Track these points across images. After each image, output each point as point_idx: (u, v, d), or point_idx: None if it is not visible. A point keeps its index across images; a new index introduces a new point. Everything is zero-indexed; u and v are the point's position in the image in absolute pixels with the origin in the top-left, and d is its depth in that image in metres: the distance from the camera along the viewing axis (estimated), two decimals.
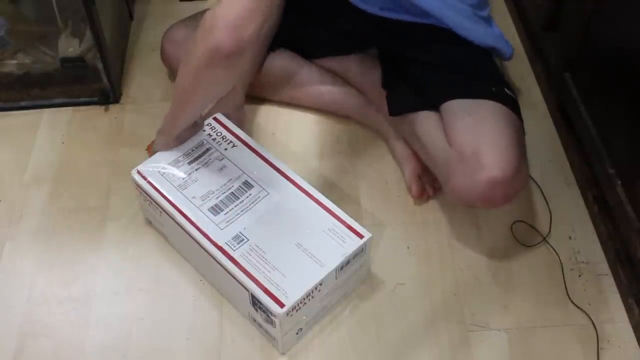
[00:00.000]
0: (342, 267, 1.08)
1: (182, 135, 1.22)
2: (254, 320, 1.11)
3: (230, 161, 1.20)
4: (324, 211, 1.13)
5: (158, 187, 1.17)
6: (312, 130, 1.44)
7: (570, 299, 1.17)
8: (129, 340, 1.13)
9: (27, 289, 1.19)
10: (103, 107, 1.51)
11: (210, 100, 1.21)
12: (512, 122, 1.17)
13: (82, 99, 1.51)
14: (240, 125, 1.31)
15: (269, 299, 1.03)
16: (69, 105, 1.50)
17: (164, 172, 1.19)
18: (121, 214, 1.30)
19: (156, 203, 1.17)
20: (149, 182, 1.18)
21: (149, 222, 1.27)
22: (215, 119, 1.27)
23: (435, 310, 1.16)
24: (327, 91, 1.42)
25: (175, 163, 1.20)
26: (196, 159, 1.21)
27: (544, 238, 1.25)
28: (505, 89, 1.23)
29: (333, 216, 1.12)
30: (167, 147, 1.22)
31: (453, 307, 1.16)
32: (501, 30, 1.33)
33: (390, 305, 1.16)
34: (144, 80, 1.56)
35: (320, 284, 1.06)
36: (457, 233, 1.26)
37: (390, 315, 1.15)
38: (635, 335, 1.12)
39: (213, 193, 1.16)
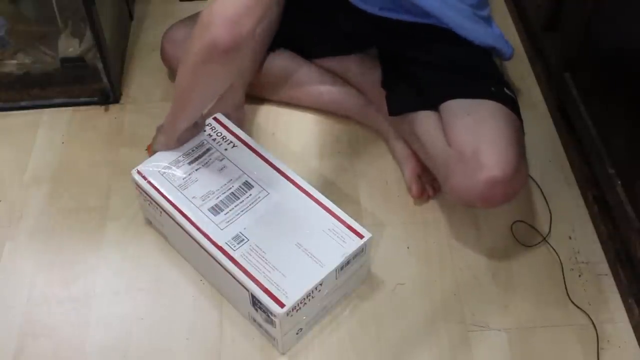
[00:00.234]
0: (342, 267, 1.08)
1: (183, 136, 1.22)
2: (254, 320, 1.11)
3: (231, 161, 1.20)
4: (324, 211, 1.13)
5: (158, 187, 1.17)
6: (312, 130, 1.44)
7: (570, 299, 1.17)
8: (129, 340, 1.13)
9: (27, 289, 1.19)
10: (103, 107, 1.51)
11: (210, 98, 1.21)
12: (511, 122, 1.17)
13: (82, 99, 1.51)
14: (240, 125, 1.31)
15: (269, 299, 1.03)
16: (69, 105, 1.50)
17: (164, 172, 1.19)
18: (121, 214, 1.30)
19: (156, 203, 1.17)
20: (149, 182, 1.18)
21: (149, 222, 1.27)
22: (215, 119, 1.27)
23: (435, 310, 1.16)
24: (327, 91, 1.42)
25: (176, 163, 1.20)
26: (196, 159, 1.21)
27: (544, 238, 1.25)
28: (505, 88, 1.23)
29: (333, 216, 1.12)
30: (168, 148, 1.22)
31: (453, 307, 1.16)
32: (501, 30, 1.33)
33: (390, 305, 1.16)
34: (144, 80, 1.56)
35: (321, 284, 1.06)
36: (457, 233, 1.26)
37: (390, 315, 1.15)
38: (635, 335, 1.12)
39: (213, 193, 1.16)
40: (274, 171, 1.19)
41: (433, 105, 1.22)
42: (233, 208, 1.14)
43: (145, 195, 1.19)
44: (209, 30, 0.99)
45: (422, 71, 1.26)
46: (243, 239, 1.10)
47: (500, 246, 1.24)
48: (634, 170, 1.15)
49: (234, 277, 1.07)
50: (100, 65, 1.46)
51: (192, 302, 1.17)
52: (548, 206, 1.29)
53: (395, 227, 1.27)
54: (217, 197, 1.15)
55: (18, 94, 1.50)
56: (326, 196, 1.16)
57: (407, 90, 1.28)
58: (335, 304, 1.15)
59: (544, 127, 1.44)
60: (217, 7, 0.99)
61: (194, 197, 1.15)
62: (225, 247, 1.09)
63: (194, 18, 1.46)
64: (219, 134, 1.24)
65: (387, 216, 1.29)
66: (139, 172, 1.19)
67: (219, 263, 1.08)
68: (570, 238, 1.25)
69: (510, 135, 1.13)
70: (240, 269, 1.06)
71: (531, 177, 1.33)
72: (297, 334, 1.10)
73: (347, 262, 1.09)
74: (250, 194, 1.16)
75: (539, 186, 1.32)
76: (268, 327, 1.07)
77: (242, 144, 1.23)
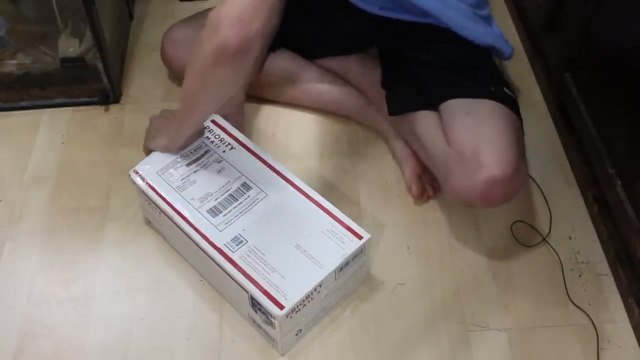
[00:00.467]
0: (341, 268, 1.08)
1: (186, 141, 1.22)
2: (254, 322, 1.11)
3: (229, 163, 1.20)
4: (322, 212, 1.13)
5: (157, 189, 1.17)
6: (312, 131, 1.44)
7: (570, 299, 1.17)
8: (129, 340, 1.13)
9: (27, 288, 1.20)
10: (103, 107, 1.51)
11: (219, 102, 1.19)
12: (511, 121, 1.17)
13: (82, 99, 1.51)
14: (240, 125, 1.31)
15: (268, 300, 1.03)
16: (69, 105, 1.50)
17: (163, 173, 1.19)
18: (121, 214, 1.30)
19: (155, 204, 1.17)
20: (148, 184, 1.18)
21: (148, 222, 1.27)
22: (213, 121, 1.27)
23: (435, 310, 1.16)
24: (327, 91, 1.42)
25: (174, 165, 1.20)
26: (195, 161, 1.21)
27: (544, 238, 1.25)
28: (505, 88, 1.23)
29: (332, 217, 1.12)
30: (168, 152, 1.22)
31: (453, 307, 1.16)
32: (501, 30, 1.33)
33: (390, 306, 1.16)
34: (144, 80, 1.56)
35: (320, 286, 1.06)
36: (457, 233, 1.26)
37: (390, 315, 1.15)
38: (635, 335, 1.12)
39: (212, 195, 1.16)
40: (273, 173, 1.19)
41: (433, 105, 1.22)
42: (231, 210, 1.14)
43: (144, 196, 1.19)
44: (218, 33, 0.98)
45: (422, 71, 1.26)
46: (242, 241, 1.10)
47: (500, 246, 1.24)
48: (634, 170, 1.15)
49: (233, 279, 1.07)
50: (100, 65, 1.46)
51: (192, 303, 1.17)
52: (548, 206, 1.29)
53: (395, 227, 1.27)
54: (216, 199, 1.15)
55: (18, 94, 1.50)
56: (325, 197, 1.16)
57: (407, 90, 1.28)
58: (334, 304, 1.15)
59: (544, 126, 1.44)
60: (225, 10, 0.98)
61: (192, 199, 1.15)
62: (224, 249, 1.09)
63: (194, 18, 1.47)
64: (217, 136, 1.24)
65: (387, 216, 1.29)
66: (137, 174, 1.19)
67: (218, 265, 1.08)
68: (570, 238, 1.25)
69: (510, 135, 1.13)
70: (239, 271, 1.06)
71: (531, 177, 1.33)
72: (296, 335, 1.10)
73: (346, 263, 1.09)
74: (249, 196, 1.16)
75: (539, 186, 1.32)
76: (268, 328, 1.07)
77: (240, 146, 1.23)
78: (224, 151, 1.22)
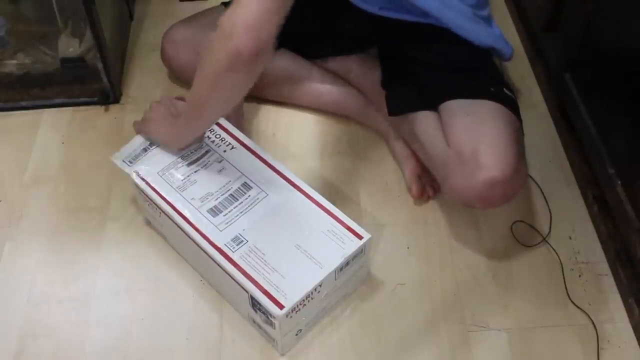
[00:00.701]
0: (341, 268, 1.08)
1: (186, 145, 1.22)
2: (254, 322, 1.11)
3: (229, 163, 1.20)
4: (323, 212, 1.13)
5: (157, 189, 1.17)
6: (312, 131, 1.44)
7: (570, 299, 1.17)
8: (129, 340, 1.13)
9: (27, 289, 1.20)
10: (103, 107, 1.51)
11: (228, 107, 1.18)
12: (511, 122, 1.17)
13: (82, 99, 1.51)
14: (239, 124, 1.31)
15: (268, 300, 1.03)
16: (69, 105, 1.50)
17: (163, 173, 1.19)
18: (121, 214, 1.30)
19: (155, 204, 1.17)
20: (148, 184, 1.18)
21: (149, 223, 1.27)
22: None
23: (435, 311, 1.16)
24: (327, 91, 1.42)
25: (174, 165, 1.20)
26: (195, 160, 1.21)
27: (544, 238, 1.25)
28: (505, 89, 1.23)
29: (332, 217, 1.12)
30: (168, 151, 1.22)
31: (453, 307, 1.16)
32: (501, 31, 1.33)
33: (390, 306, 1.16)
34: (144, 80, 1.56)
35: (320, 286, 1.06)
36: (457, 233, 1.26)
37: (390, 315, 1.15)
38: (635, 335, 1.12)
39: (212, 195, 1.16)
40: (273, 172, 1.19)
41: (433, 105, 1.22)
42: (232, 209, 1.14)
43: (144, 196, 1.19)
44: (232, 40, 0.97)
45: (422, 71, 1.26)
46: (242, 241, 1.10)
47: (500, 246, 1.24)
48: (634, 170, 1.15)
49: (233, 279, 1.07)
50: (100, 65, 1.46)
51: (192, 303, 1.17)
52: (548, 206, 1.29)
53: (395, 227, 1.27)
54: (216, 199, 1.15)
55: (18, 94, 1.50)
56: (325, 197, 1.16)
57: (407, 91, 1.28)
58: (335, 304, 1.15)
59: (544, 127, 1.44)
60: (239, 16, 0.97)
61: (192, 199, 1.15)
62: (224, 249, 1.09)
63: (194, 18, 1.47)
64: (217, 136, 1.24)
65: (387, 216, 1.29)
66: (137, 174, 1.19)
67: (218, 264, 1.08)
68: (570, 238, 1.25)
69: (509, 136, 1.13)
70: (239, 271, 1.06)
71: (531, 177, 1.33)
72: (296, 335, 1.10)
73: (346, 263, 1.09)
74: (249, 196, 1.16)
75: (539, 186, 1.32)
76: (268, 328, 1.07)
77: (240, 146, 1.23)
78: (224, 151, 1.22)
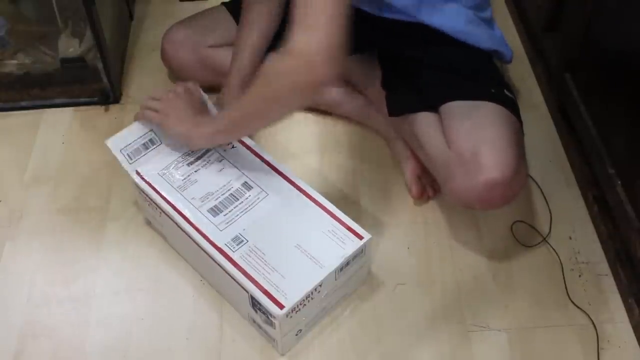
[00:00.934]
0: (341, 268, 1.08)
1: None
2: (254, 322, 1.11)
3: (230, 162, 1.20)
4: (323, 212, 1.13)
5: (157, 189, 1.17)
6: (313, 131, 1.44)
7: (570, 299, 1.17)
8: (129, 340, 1.13)
9: (27, 289, 1.20)
10: (103, 107, 1.51)
11: (272, 123, 1.23)
12: (511, 123, 1.17)
13: (82, 99, 1.51)
14: None
15: (268, 300, 1.03)
16: (69, 105, 1.50)
17: (164, 173, 1.19)
18: (121, 214, 1.30)
19: (155, 204, 1.17)
20: (149, 184, 1.18)
21: (149, 223, 1.27)
22: None
23: (435, 311, 1.16)
24: (327, 91, 1.42)
25: (175, 164, 1.20)
26: (195, 160, 1.21)
27: (544, 238, 1.25)
28: (505, 90, 1.23)
29: (332, 217, 1.12)
30: (177, 146, 1.22)
31: (453, 307, 1.16)
32: (502, 32, 1.33)
33: (390, 306, 1.16)
34: (144, 80, 1.56)
35: (320, 286, 1.06)
36: (457, 233, 1.26)
37: (390, 315, 1.15)
38: (635, 335, 1.12)
39: (212, 194, 1.16)
40: (273, 172, 1.19)
41: (433, 106, 1.22)
42: (232, 209, 1.14)
43: (144, 196, 1.19)
44: (312, 67, 0.98)
45: (422, 72, 1.26)
46: (242, 240, 1.10)
47: (500, 246, 1.24)
48: (634, 170, 1.15)
49: (234, 279, 1.07)
50: (100, 65, 1.46)
51: (192, 303, 1.17)
52: (548, 206, 1.29)
53: (395, 227, 1.27)
54: (217, 198, 1.15)
55: (18, 94, 1.50)
56: (326, 197, 1.16)
57: (407, 91, 1.28)
58: (335, 304, 1.15)
59: (545, 127, 1.44)
60: (316, 44, 0.97)
61: (193, 198, 1.15)
62: (225, 249, 1.09)
63: (194, 18, 1.47)
64: None
65: (387, 217, 1.29)
66: (138, 174, 1.19)
67: (219, 264, 1.08)
68: (570, 238, 1.25)
69: (509, 137, 1.13)
70: (239, 271, 1.06)
71: (531, 177, 1.33)
72: (296, 335, 1.10)
73: (346, 263, 1.09)
74: (250, 195, 1.16)
75: (539, 186, 1.32)
76: (268, 328, 1.07)
77: (241, 145, 1.23)
78: (225, 150, 1.22)
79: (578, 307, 1.16)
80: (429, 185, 1.30)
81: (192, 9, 1.61)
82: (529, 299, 1.17)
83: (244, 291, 1.06)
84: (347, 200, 1.31)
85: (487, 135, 1.12)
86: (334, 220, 1.12)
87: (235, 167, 1.20)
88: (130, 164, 1.20)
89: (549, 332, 1.13)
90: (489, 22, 1.30)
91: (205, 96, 1.28)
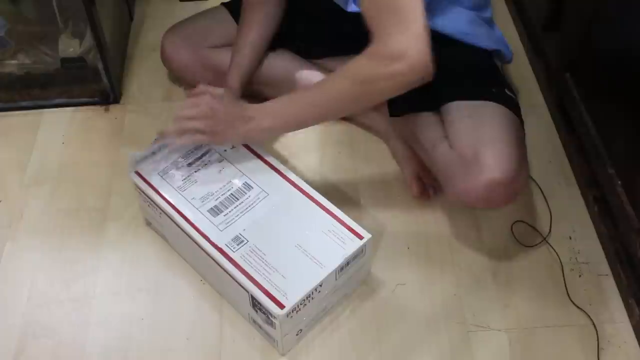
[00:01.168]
0: (342, 268, 1.08)
1: None
2: (254, 322, 1.11)
3: (230, 163, 1.20)
4: (323, 212, 1.13)
5: (157, 189, 1.17)
6: (313, 131, 1.44)
7: (570, 299, 1.17)
8: (129, 340, 1.13)
9: (27, 289, 1.20)
10: (103, 107, 1.51)
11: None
12: (512, 123, 1.17)
13: (82, 99, 1.51)
14: None
15: (268, 300, 1.03)
16: (69, 106, 1.50)
17: (164, 173, 1.19)
18: (121, 214, 1.30)
19: (156, 204, 1.17)
20: (149, 184, 1.17)
21: (148, 223, 1.27)
22: None
23: (435, 311, 1.16)
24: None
25: (175, 165, 1.20)
26: (196, 160, 1.21)
27: (544, 238, 1.25)
28: (506, 90, 1.23)
29: (333, 217, 1.12)
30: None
31: (453, 307, 1.16)
32: (502, 32, 1.33)
33: (390, 306, 1.16)
34: (144, 80, 1.56)
35: (320, 285, 1.06)
36: (458, 233, 1.26)
37: (390, 315, 1.15)
38: (636, 335, 1.12)
39: (213, 194, 1.16)
40: (273, 172, 1.19)
41: (434, 106, 1.22)
42: (232, 209, 1.14)
43: (144, 196, 1.19)
44: (421, 67, 1.04)
45: None
46: (242, 240, 1.10)
47: (500, 246, 1.24)
48: (634, 170, 1.15)
49: (234, 279, 1.07)
50: (100, 66, 1.46)
51: (192, 303, 1.17)
52: (548, 206, 1.29)
53: (395, 227, 1.27)
54: (217, 199, 1.15)
55: (18, 94, 1.50)
56: (326, 197, 1.16)
57: (409, 91, 1.28)
58: (335, 304, 1.15)
59: (544, 127, 1.44)
60: (424, 45, 1.03)
61: (193, 199, 1.15)
62: (225, 249, 1.09)
63: (194, 18, 1.47)
64: None
65: (387, 216, 1.29)
66: (138, 174, 1.19)
67: (219, 264, 1.08)
68: (570, 238, 1.25)
69: (511, 137, 1.13)
70: (239, 271, 1.06)
71: (531, 177, 1.33)
72: (297, 334, 1.10)
73: (346, 263, 1.09)
74: (250, 195, 1.16)
75: (539, 186, 1.32)
76: (268, 328, 1.07)
77: (241, 146, 1.23)
78: (225, 150, 1.22)
79: (578, 307, 1.16)
80: (429, 184, 1.30)
81: (192, 9, 1.61)
82: (529, 299, 1.17)
83: (244, 291, 1.06)
84: (347, 200, 1.31)
85: (489, 135, 1.12)
86: (334, 220, 1.12)
87: (235, 167, 1.20)
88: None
89: (549, 332, 1.13)
90: (490, 22, 1.30)
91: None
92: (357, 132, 1.43)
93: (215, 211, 1.14)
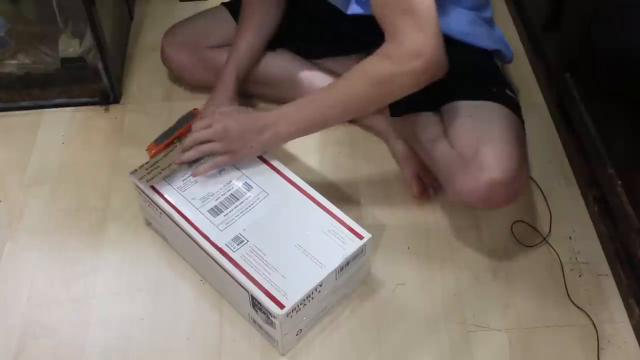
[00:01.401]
0: (342, 268, 1.08)
1: None
2: (254, 322, 1.11)
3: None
4: (323, 212, 1.13)
5: (158, 189, 1.17)
6: None
7: (570, 299, 1.17)
8: (129, 340, 1.13)
9: (27, 289, 1.20)
10: (103, 107, 1.51)
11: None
12: (513, 123, 1.17)
13: (82, 99, 1.51)
14: None
15: (268, 300, 1.03)
16: (69, 106, 1.50)
17: (162, 171, 1.19)
18: (121, 214, 1.30)
19: (156, 205, 1.17)
20: (149, 184, 1.17)
21: (148, 223, 1.27)
22: None
23: (435, 311, 1.16)
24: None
25: (175, 165, 1.20)
26: (196, 161, 1.20)
27: (544, 238, 1.25)
28: (506, 90, 1.23)
29: (333, 217, 1.12)
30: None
31: (453, 307, 1.16)
32: (502, 32, 1.33)
33: (390, 306, 1.16)
34: (144, 80, 1.56)
35: (320, 285, 1.06)
36: (458, 233, 1.26)
37: (390, 315, 1.15)
38: (636, 335, 1.12)
39: (213, 195, 1.16)
40: (273, 172, 1.19)
41: (434, 106, 1.22)
42: (232, 209, 1.14)
43: (144, 196, 1.19)
44: (437, 64, 1.06)
45: None
46: (242, 240, 1.10)
47: (500, 246, 1.24)
48: (634, 170, 1.15)
49: (234, 279, 1.07)
50: (100, 66, 1.46)
51: (192, 303, 1.17)
52: (548, 206, 1.29)
53: (395, 227, 1.27)
54: (217, 199, 1.15)
55: (18, 94, 1.50)
56: (326, 197, 1.16)
57: None
58: (335, 304, 1.15)
59: (544, 127, 1.44)
60: (438, 43, 1.06)
61: (193, 199, 1.15)
62: (225, 249, 1.09)
63: (194, 18, 1.47)
64: None
65: (387, 216, 1.29)
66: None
67: (219, 264, 1.08)
68: (570, 238, 1.25)
69: (511, 137, 1.13)
70: (239, 270, 1.06)
71: (531, 177, 1.33)
72: (297, 334, 1.10)
73: (346, 263, 1.09)
74: (250, 196, 1.16)
75: (539, 186, 1.32)
76: (268, 328, 1.07)
77: None
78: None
79: (578, 307, 1.16)
80: (429, 184, 1.30)
81: (192, 9, 1.61)
82: (529, 299, 1.17)
83: (245, 291, 1.06)
84: (347, 200, 1.31)
85: (489, 135, 1.12)
86: (334, 220, 1.12)
87: (236, 167, 1.20)
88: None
89: (549, 332, 1.13)
90: (490, 22, 1.30)
91: None
92: (357, 132, 1.43)
93: (215, 211, 1.14)
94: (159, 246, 1.25)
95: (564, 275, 1.20)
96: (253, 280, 1.05)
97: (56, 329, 1.15)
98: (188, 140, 1.20)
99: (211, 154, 1.18)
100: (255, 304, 1.06)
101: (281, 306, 1.02)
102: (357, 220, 1.13)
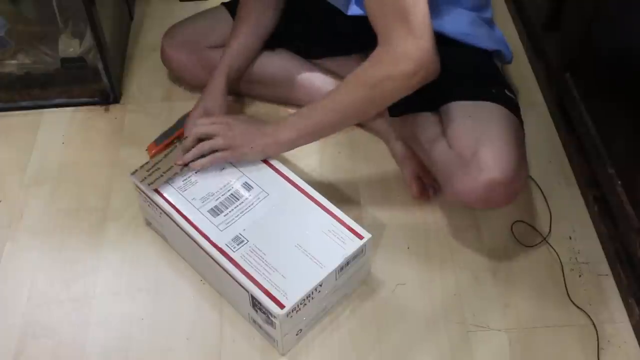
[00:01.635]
0: (341, 268, 1.08)
1: None
2: (254, 322, 1.11)
3: (230, 163, 1.20)
4: (323, 212, 1.13)
5: (158, 189, 1.17)
6: None
7: (570, 299, 1.17)
8: (130, 340, 1.13)
9: (27, 289, 1.20)
10: (103, 107, 1.51)
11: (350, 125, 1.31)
12: (512, 123, 1.17)
13: (82, 99, 1.51)
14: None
15: (269, 300, 1.03)
16: (69, 106, 1.50)
17: (164, 174, 1.19)
18: (121, 214, 1.30)
19: (156, 205, 1.17)
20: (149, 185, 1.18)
21: (148, 223, 1.27)
22: None
23: (435, 311, 1.16)
24: (327, 91, 1.41)
25: (175, 165, 1.20)
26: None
27: (544, 238, 1.25)
28: (506, 90, 1.23)
29: (333, 217, 1.12)
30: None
31: (453, 307, 1.16)
32: (502, 32, 1.33)
33: (390, 306, 1.16)
34: (144, 80, 1.56)
35: (320, 285, 1.06)
36: (457, 233, 1.26)
37: (390, 315, 1.15)
38: (636, 335, 1.12)
39: (213, 195, 1.16)
40: (274, 172, 1.19)
41: (433, 106, 1.22)
42: (233, 209, 1.14)
43: (145, 196, 1.19)
44: (429, 68, 1.08)
45: None
46: (243, 240, 1.10)
47: (500, 246, 1.24)
48: (634, 170, 1.15)
49: (234, 279, 1.07)
50: (100, 66, 1.46)
51: (192, 303, 1.17)
52: (548, 206, 1.29)
53: (395, 227, 1.27)
54: (217, 199, 1.15)
55: (18, 94, 1.50)
56: (326, 197, 1.16)
57: None
58: (335, 304, 1.15)
59: (544, 127, 1.44)
60: (431, 46, 1.07)
61: (193, 199, 1.15)
62: (225, 249, 1.09)
63: (194, 18, 1.47)
64: None
65: (387, 216, 1.29)
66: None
67: (219, 264, 1.08)
68: (570, 238, 1.25)
69: (510, 138, 1.13)
70: (240, 270, 1.06)
71: (531, 177, 1.33)
72: (297, 334, 1.10)
73: (346, 263, 1.09)
74: (250, 196, 1.16)
75: (539, 186, 1.32)
76: (268, 328, 1.07)
77: None
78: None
79: (578, 307, 1.16)
80: (429, 185, 1.30)
81: (192, 9, 1.61)
82: (529, 299, 1.17)
83: (245, 291, 1.06)
84: (347, 201, 1.31)
85: (488, 135, 1.12)
86: (334, 220, 1.12)
87: (235, 167, 1.20)
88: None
89: (549, 332, 1.13)
90: (490, 23, 1.30)
91: None
92: (357, 133, 1.43)
93: (215, 211, 1.14)
94: (159, 246, 1.25)
95: (564, 275, 1.20)
96: (253, 280, 1.05)
97: (56, 329, 1.15)
98: (189, 139, 1.21)
99: (212, 151, 1.19)
100: (255, 303, 1.06)
101: (281, 306, 1.02)
102: (357, 220, 1.13)
